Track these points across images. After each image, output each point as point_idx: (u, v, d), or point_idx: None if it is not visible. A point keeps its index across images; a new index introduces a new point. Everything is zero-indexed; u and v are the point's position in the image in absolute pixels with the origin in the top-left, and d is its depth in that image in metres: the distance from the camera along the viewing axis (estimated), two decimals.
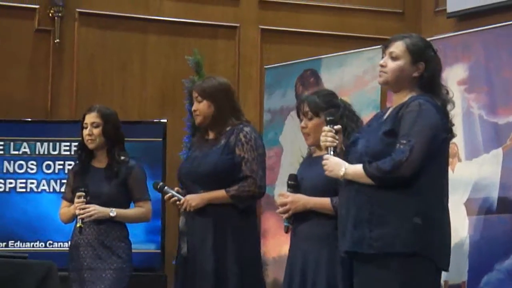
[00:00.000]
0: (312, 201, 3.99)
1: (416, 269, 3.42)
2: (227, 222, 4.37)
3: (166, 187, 4.45)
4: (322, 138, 3.63)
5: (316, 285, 3.92)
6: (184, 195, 4.41)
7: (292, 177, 4.12)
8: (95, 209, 4.67)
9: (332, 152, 3.60)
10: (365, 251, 3.43)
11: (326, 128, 3.64)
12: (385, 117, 3.59)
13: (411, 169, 3.39)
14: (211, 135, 4.49)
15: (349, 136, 3.79)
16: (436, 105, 3.50)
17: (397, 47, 3.56)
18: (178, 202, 4.40)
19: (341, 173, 3.51)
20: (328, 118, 3.68)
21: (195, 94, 4.48)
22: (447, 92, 3.59)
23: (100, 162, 4.81)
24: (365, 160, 3.46)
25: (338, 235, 3.60)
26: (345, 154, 3.62)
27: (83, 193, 4.69)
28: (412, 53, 3.54)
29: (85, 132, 4.78)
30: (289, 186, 4.11)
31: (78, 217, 4.67)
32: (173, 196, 4.42)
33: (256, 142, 4.43)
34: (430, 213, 3.44)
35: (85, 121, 4.80)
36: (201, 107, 4.46)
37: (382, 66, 3.57)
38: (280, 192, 4.16)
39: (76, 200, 4.70)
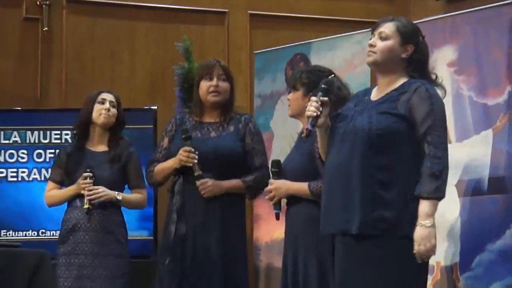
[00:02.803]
0: (293, 186, 4.01)
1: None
2: (233, 207, 4.39)
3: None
4: (307, 108, 3.53)
5: (307, 266, 3.95)
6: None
7: (274, 163, 4.12)
8: (104, 191, 4.65)
9: (310, 125, 3.50)
10: (369, 233, 3.38)
11: (313, 98, 3.53)
12: (377, 97, 3.56)
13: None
14: (209, 118, 4.46)
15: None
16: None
17: (387, 27, 3.55)
18: (198, 176, 4.28)
19: None
20: (322, 86, 3.55)
21: (219, 71, 4.43)
22: (436, 77, 3.59)
23: (97, 145, 4.79)
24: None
25: (324, 215, 3.54)
26: (330, 129, 3.56)
27: (91, 174, 4.66)
28: (402, 34, 3.53)
29: (103, 106, 4.76)
30: (272, 173, 4.13)
31: (87, 198, 4.63)
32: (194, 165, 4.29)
33: (261, 136, 4.51)
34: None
35: (103, 97, 4.79)
36: (225, 86, 4.44)
37: (371, 45, 3.55)
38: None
39: (82, 181, 4.66)
